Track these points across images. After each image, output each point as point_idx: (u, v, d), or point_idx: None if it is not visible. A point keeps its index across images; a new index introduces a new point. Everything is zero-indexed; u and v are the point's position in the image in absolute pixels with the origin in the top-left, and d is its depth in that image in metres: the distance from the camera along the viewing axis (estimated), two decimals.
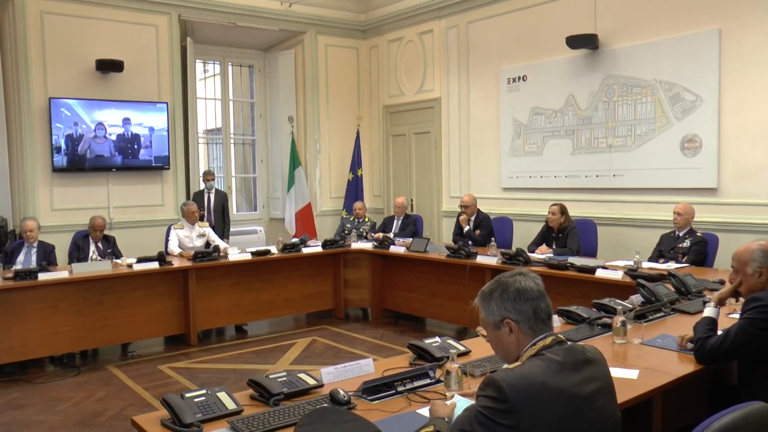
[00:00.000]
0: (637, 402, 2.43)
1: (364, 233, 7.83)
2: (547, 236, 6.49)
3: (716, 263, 5.48)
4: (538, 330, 1.93)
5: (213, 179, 8.02)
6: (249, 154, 10.17)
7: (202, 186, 8.11)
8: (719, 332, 2.73)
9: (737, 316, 2.77)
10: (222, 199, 8.09)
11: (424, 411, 2.27)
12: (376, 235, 7.52)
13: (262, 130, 9.96)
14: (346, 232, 7.91)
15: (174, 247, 6.82)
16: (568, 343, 1.95)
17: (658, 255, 5.70)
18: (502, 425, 1.74)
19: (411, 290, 6.90)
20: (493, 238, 6.72)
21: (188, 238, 6.97)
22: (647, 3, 6.48)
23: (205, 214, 7.77)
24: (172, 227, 7.07)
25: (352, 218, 8.25)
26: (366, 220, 8.20)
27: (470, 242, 6.87)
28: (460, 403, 2.14)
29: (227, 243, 7.37)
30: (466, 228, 7.14)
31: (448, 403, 2.18)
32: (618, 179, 6.80)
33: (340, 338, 6.52)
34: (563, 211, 6.36)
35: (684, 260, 5.46)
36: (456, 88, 8.49)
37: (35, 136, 7.33)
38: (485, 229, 7.07)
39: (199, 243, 7.00)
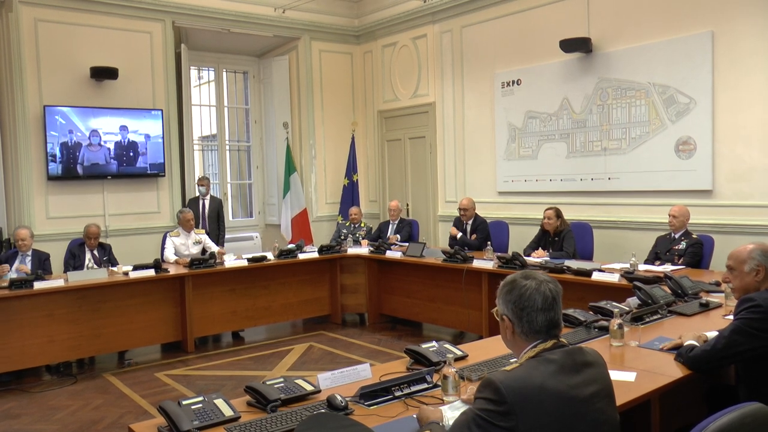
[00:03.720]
0: (635, 404, 2.43)
1: (360, 238, 7.84)
2: (543, 240, 6.50)
3: (712, 265, 5.50)
4: (532, 338, 1.95)
5: (204, 185, 7.98)
6: (244, 161, 10.16)
7: (197, 192, 8.11)
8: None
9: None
10: (217, 205, 8.09)
11: None
12: (391, 238, 7.55)
13: (257, 136, 9.96)
14: (343, 237, 7.91)
15: (170, 255, 6.81)
16: (569, 345, 1.96)
17: (654, 257, 5.72)
18: (499, 427, 1.75)
19: (408, 295, 6.89)
20: (489, 242, 6.73)
21: (184, 245, 6.96)
22: (640, 6, 6.51)
23: (200, 220, 7.77)
24: (167, 235, 7.05)
25: (347, 224, 8.25)
26: (362, 225, 8.20)
27: (466, 248, 6.87)
28: (448, 413, 2.17)
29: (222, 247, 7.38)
30: (459, 235, 7.16)
31: (435, 408, 2.19)
32: (613, 182, 6.81)
33: (337, 344, 6.51)
34: (558, 214, 6.37)
35: (680, 262, 5.47)
36: (450, 93, 8.51)
37: (30, 145, 7.31)
38: (482, 233, 7.07)
39: (195, 250, 6.99)
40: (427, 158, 8.91)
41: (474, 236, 7.08)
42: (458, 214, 7.35)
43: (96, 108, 7.65)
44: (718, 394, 2.92)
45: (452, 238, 7.27)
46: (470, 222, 7.23)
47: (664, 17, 6.32)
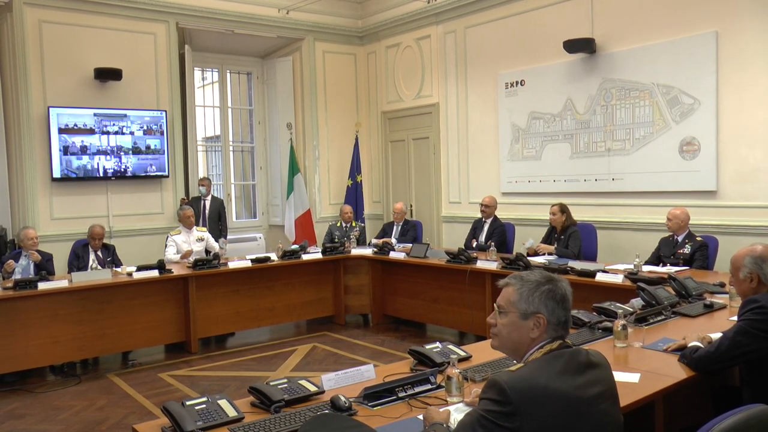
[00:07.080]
0: (639, 405, 2.43)
1: (355, 239, 7.78)
2: (550, 236, 6.51)
3: (716, 266, 5.48)
4: (557, 335, 1.95)
5: (205, 185, 8.02)
6: (248, 162, 10.17)
7: (198, 193, 8.14)
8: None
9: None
10: (218, 205, 8.12)
11: None
12: (379, 241, 7.52)
13: (260, 137, 9.97)
14: (336, 240, 7.82)
15: (171, 255, 6.82)
16: (574, 347, 1.96)
17: (656, 260, 5.67)
18: (504, 428, 1.74)
19: (411, 296, 6.89)
20: (491, 242, 6.73)
21: (186, 242, 6.97)
22: (644, 7, 6.50)
23: (201, 220, 7.79)
24: (169, 235, 7.07)
25: (338, 224, 8.19)
26: (354, 225, 8.15)
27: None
28: (455, 414, 2.16)
29: (224, 246, 7.39)
30: (474, 244, 7.14)
31: (442, 410, 2.19)
32: (617, 183, 6.80)
33: (341, 344, 6.51)
34: (563, 209, 6.39)
35: (683, 265, 5.42)
36: (454, 93, 8.50)
37: (34, 145, 7.32)
38: (499, 237, 7.03)
39: (199, 247, 7.00)
40: (430, 159, 8.91)
41: (490, 242, 6.99)
42: (479, 211, 7.33)
43: (100, 109, 7.66)
44: (725, 395, 2.92)
45: (470, 239, 7.28)
46: (489, 221, 7.20)
47: (668, 17, 6.31)
